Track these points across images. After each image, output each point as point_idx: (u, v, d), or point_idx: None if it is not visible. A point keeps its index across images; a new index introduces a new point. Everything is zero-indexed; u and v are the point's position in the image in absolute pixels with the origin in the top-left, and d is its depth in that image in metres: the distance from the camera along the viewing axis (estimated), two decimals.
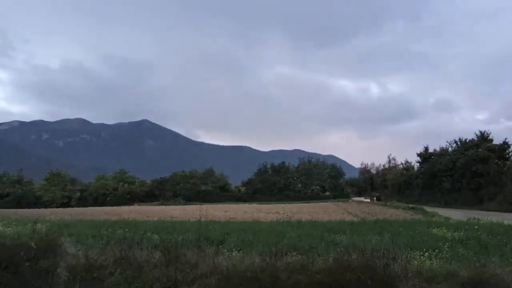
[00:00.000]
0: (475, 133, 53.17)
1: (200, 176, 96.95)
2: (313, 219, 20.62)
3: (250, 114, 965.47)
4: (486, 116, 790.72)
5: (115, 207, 52.44)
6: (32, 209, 42.43)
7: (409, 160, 74.50)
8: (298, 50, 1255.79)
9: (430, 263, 7.47)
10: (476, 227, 15.20)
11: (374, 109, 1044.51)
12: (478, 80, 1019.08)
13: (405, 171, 71.41)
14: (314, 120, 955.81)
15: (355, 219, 23.74)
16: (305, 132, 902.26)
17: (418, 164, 65.83)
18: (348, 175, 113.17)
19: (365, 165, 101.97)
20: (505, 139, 49.04)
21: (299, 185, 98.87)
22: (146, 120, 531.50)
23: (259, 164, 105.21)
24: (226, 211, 34.55)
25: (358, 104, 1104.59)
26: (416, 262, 7.23)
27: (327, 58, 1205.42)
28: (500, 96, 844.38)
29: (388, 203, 51.49)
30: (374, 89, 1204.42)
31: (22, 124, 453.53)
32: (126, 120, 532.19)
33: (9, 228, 13.84)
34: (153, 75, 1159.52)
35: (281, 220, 18.68)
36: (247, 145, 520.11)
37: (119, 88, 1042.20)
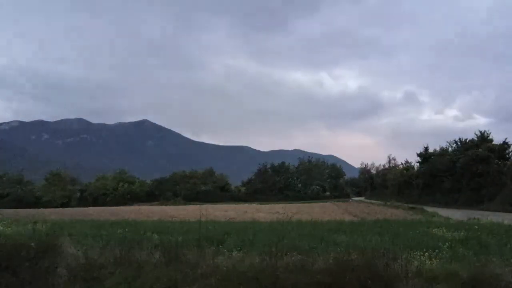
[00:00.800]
0: (475, 133, 53.23)
1: (200, 176, 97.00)
2: (313, 219, 20.61)
3: (198, 108, 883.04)
4: (458, 112, 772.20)
5: (115, 207, 52.43)
6: (32, 209, 42.42)
7: (409, 160, 74.60)
8: (242, 38, 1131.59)
9: (430, 263, 7.47)
10: (476, 227, 15.20)
11: (335, 104, 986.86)
12: (443, 71, 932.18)
13: (405, 171, 71.42)
14: (272, 115, 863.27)
15: (355, 219, 23.76)
16: (262, 128, 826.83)
17: (418, 164, 65.89)
18: (348, 175, 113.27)
19: (365, 165, 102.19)
20: (505, 139, 49.10)
21: (299, 185, 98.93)
22: (147, 120, 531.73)
23: (259, 164, 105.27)
24: (226, 211, 34.55)
25: (318, 98, 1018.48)
26: (416, 262, 7.23)
27: (276, 48, 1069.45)
28: (468, 89, 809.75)
29: (388, 203, 51.47)
30: (329, 81, 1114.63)
31: (22, 124, 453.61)
32: (126, 120, 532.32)
33: (9, 228, 13.83)
34: (94, 69, 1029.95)
35: (281, 220, 18.67)
36: (247, 145, 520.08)
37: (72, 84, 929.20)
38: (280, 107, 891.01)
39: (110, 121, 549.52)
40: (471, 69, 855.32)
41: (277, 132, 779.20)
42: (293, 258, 7.35)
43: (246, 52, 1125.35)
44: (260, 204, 62.51)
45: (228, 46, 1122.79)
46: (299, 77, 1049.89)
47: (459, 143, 55.25)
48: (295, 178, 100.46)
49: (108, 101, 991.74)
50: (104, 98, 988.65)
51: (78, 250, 8.23)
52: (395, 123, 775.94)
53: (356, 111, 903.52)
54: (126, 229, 14.01)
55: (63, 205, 74.66)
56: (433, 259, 7.92)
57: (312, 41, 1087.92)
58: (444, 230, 13.96)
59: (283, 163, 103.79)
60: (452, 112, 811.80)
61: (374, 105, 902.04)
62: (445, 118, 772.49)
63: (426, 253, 8.30)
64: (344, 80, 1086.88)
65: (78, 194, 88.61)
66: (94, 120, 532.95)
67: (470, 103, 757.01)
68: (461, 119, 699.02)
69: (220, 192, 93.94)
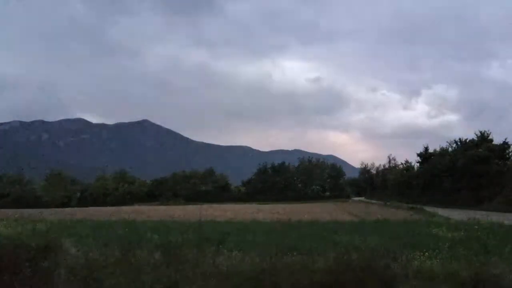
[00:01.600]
0: (475, 133, 53.29)
1: (200, 176, 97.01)
2: (313, 219, 20.62)
3: (141, 102, 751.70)
4: (425, 108, 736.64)
5: (115, 207, 52.42)
6: (32, 209, 42.41)
7: (409, 160, 74.66)
8: (175, 26, 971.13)
9: (430, 263, 7.46)
10: (476, 227, 15.20)
11: (291, 99, 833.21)
12: (397, 61, 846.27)
13: (405, 171, 71.47)
14: (219, 110, 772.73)
15: (355, 219, 23.76)
16: (212, 124, 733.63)
17: (418, 164, 65.93)
18: (348, 175, 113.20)
19: (365, 165, 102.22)
20: (505, 139, 49.20)
21: (299, 185, 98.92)
22: (147, 120, 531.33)
23: (259, 164, 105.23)
24: (226, 211, 34.54)
25: (271, 91, 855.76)
26: (416, 262, 7.23)
27: (211, 33, 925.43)
28: (428, 83, 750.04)
29: (388, 203, 51.48)
30: (280, 73, 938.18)
31: (22, 124, 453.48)
32: (126, 120, 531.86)
33: (9, 228, 13.84)
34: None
35: (281, 220, 18.68)
36: (247, 145, 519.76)
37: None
38: (226, 100, 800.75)
39: (110, 121, 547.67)
40: (425, 58, 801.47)
41: (225, 127, 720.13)
42: (293, 258, 7.35)
43: (180, 38, 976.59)
44: (260, 204, 62.49)
45: (161, 31, 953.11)
46: (246, 67, 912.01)
47: (459, 143, 55.32)
48: (295, 178, 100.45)
49: (41, 98, 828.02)
50: (40, 95, 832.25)
51: (78, 250, 8.23)
52: (364, 120, 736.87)
53: (315, 106, 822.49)
54: (126, 229, 14.02)
55: (63, 205, 74.62)
56: (433, 259, 7.91)
57: (248, 25, 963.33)
58: (444, 230, 13.98)
59: (283, 163, 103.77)
60: (417, 107, 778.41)
61: (337, 100, 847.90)
62: (413, 113, 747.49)
63: (426, 253, 8.29)
64: (296, 71, 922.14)
65: (78, 194, 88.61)
66: (94, 120, 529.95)
67: (434, 98, 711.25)
68: (433, 116, 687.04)
69: (220, 192, 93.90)
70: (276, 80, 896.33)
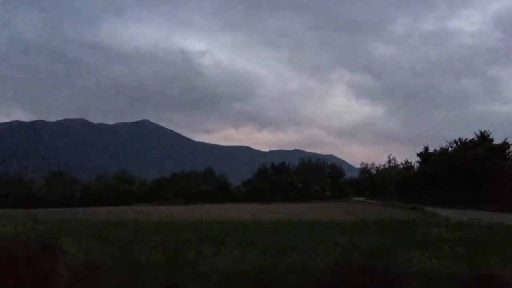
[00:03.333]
0: (475, 133, 53.31)
1: (200, 176, 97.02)
2: (313, 219, 20.62)
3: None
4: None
5: (115, 207, 52.44)
6: (32, 209, 42.41)
7: (409, 160, 74.71)
8: None
9: (430, 263, 7.47)
10: (476, 227, 15.22)
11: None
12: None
13: (405, 171, 71.48)
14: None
15: (355, 219, 23.75)
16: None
17: (418, 164, 65.96)
18: (348, 175, 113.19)
19: (365, 165, 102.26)
20: (505, 139, 49.21)
21: (299, 185, 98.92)
22: (147, 120, 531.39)
23: (259, 164, 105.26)
24: (226, 211, 34.55)
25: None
26: (416, 262, 7.23)
27: None
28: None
29: (388, 203, 51.47)
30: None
31: (22, 124, 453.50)
32: (126, 120, 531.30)
33: (9, 228, 13.84)
34: None
35: (282, 220, 18.68)
36: (247, 145, 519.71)
37: None
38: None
39: (110, 121, 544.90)
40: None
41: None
42: (293, 258, 7.35)
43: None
44: (260, 204, 62.48)
45: None
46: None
47: (459, 143, 55.35)
48: (295, 178, 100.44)
49: None
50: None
51: (78, 250, 8.23)
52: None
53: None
54: (126, 229, 14.02)
55: (63, 205, 74.57)
56: (433, 259, 7.92)
57: None
58: (444, 230, 13.97)
59: (283, 163, 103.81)
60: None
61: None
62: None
63: (426, 253, 8.30)
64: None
65: (78, 194, 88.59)
66: (94, 120, 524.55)
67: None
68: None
69: (220, 192, 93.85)
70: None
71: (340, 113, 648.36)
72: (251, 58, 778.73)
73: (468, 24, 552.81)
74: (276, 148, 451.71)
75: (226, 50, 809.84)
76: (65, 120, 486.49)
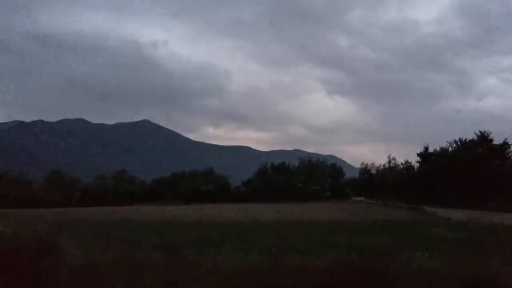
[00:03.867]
0: (475, 133, 53.34)
1: (200, 176, 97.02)
2: (313, 219, 20.62)
3: None
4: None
5: (115, 207, 52.44)
6: (32, 209, 42.42)
7: (409, 160, 74.71)
8: None
9: (430, 263, 7.46)
10: (476, 227, 15.21)
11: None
12: None
13: (405, 171, 71.47)
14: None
15: (355, 219, 23.75)
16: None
17: (418, 164, 65.97)
18: (348, 175, 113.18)
19: (365, 165, 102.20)
20: (505, 139, 49.25)
21: (299, 185, 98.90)
22: (146, 120, 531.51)
23: (259, 164, 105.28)
24: (226, 211, 34.55)
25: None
26: (416, 262, 7.22)
27: None
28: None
29: (388, 203, 51.48)
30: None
31: (22, 124, 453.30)
32: (126, 120, 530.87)
33: (9, 228, 13.83)
34: None
35: (282, 220, 18.68)
36: (247, 145, 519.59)
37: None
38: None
39: (110, 121, 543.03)
40: None
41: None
42: (293, 258, 7.35)
43: None
44: (260, 204, 62.47)
45: None
46: None
47: (459, 143, 55.36)
48: (295, 178, 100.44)
49: None
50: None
51: (78, 250, 8.23)
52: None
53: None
54: (126, 229, 14.02)
55: (63, 205, 74.58)
56: (433, 259, 7.91)
57: None
58: (444, 230, 13.97)
59: (283, 163, 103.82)
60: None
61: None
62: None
63: (426, 253, 8.30)
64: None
65: (78, 194, 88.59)
66: (94, 120, 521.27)
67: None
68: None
69: (220, 192, 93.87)
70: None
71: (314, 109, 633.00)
72: (210, 49, 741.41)
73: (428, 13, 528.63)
74: (276, 148, 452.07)
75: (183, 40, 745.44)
76: (65, 120, 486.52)
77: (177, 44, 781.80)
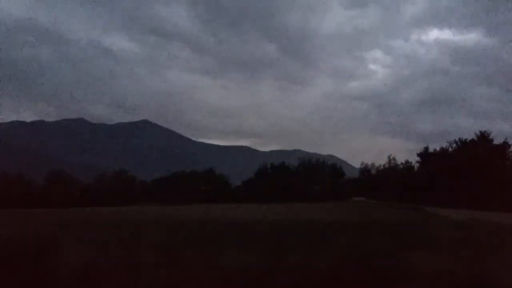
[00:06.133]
0: (475, 133, 53.32)
1: (200, 176, 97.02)
2: (313, 219, 20.61)
3: None
4: None
5: (115, 207, 52.44)
6: (32, 209, 42.44)
7: (410, 160, 74.74)
8: None
9: (430, 263, 7.46)
10: (476, 227, 15.20)
11: None
12: None
13: (405, 171, 71.48)
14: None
15: (355, 219, 23.73)
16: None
17: (418, 164, 65.98)
18: (348, 175, 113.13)
19: (365, 165, 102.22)
20: (505, 139, 49.26)
21: (299, 185, 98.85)
22: (146, 120, 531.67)
23: (259, 164, 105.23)
24: (226, 211, 34.54)
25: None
26: (416, 262, 7.22)
27: None
28: None
29: (388, 203, 51.48)
30: None
31: (22, 124, 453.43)
32: (126, 120, 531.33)
33: (10, 229, 13.84)
34: None
35: (281, 220, 18.67)
36: (247, 145, 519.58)
37: None
38: None
39: (110, 121, 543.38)
40: None
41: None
42: (293, 258, 7.35)
43: None
44: (260, 204, 62.44)
45: None
46: None
47: (459, 143, 55.32)
48: (295, 178, 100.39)
49: None
50: None
51: (78, 250, 8.23)
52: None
53: None
54: (127, 229, 14.01)
55: (63, 205, 74.56)
56: (433, 259, 7.91)
57: None
58: (444, 230, 13.96)
59: (283, 163, 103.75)
60: None
61: None
62: None
63: (426, 253, 8.29)
64: None
65: (78, 194, 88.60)
66: (94, 120, 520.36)
67: None
68: None
69: (220, 192, 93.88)
70: None
71: None
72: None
73: None
74: (276, 148, 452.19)
75: None
76: (65, 120, 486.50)
77: None
